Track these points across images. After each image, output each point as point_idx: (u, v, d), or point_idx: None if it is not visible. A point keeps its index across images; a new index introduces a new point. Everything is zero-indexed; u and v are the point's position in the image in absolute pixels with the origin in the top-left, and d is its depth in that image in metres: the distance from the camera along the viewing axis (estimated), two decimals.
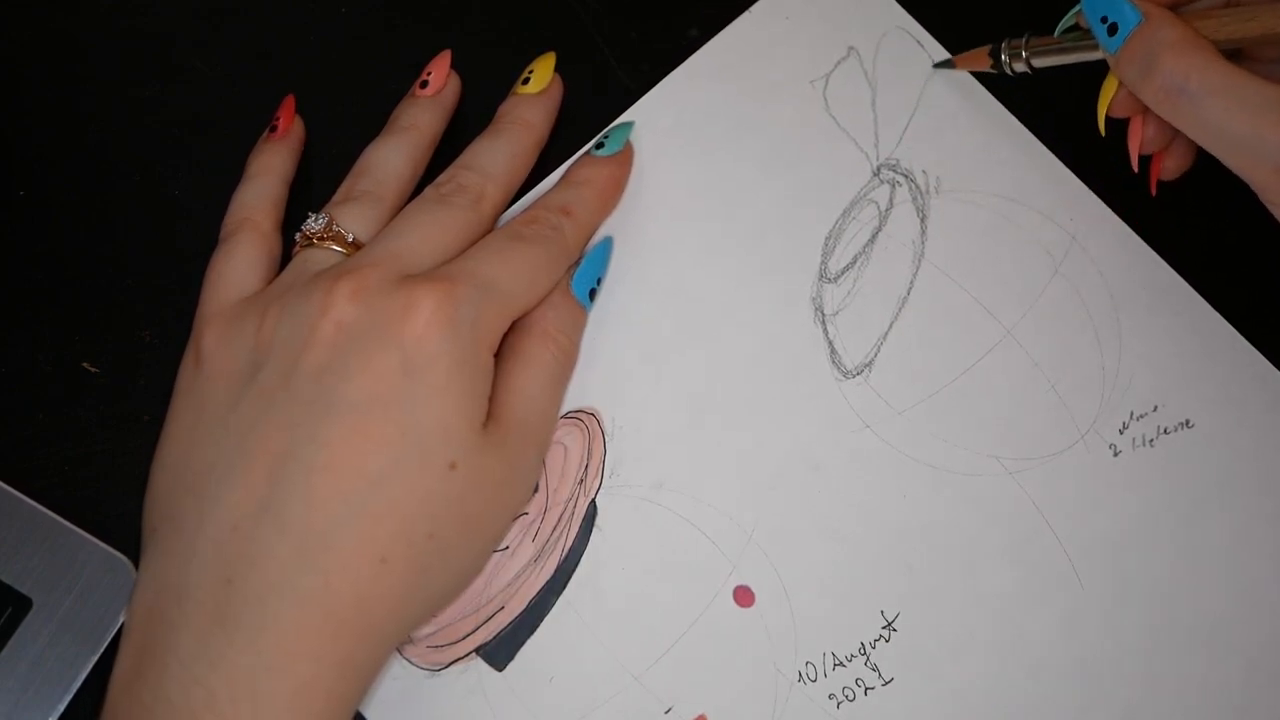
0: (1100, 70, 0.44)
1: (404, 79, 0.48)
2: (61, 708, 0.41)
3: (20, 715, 0.41)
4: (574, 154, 0.48)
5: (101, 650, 0.42)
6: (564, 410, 0.44)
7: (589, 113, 0.48)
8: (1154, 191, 0.45)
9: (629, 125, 0.47)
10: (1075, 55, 0.44)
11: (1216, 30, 0.41)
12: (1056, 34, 0.44)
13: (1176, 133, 0.44)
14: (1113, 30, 0.42)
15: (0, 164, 0.49)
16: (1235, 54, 0.43)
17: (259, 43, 0.51)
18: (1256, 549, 0.43)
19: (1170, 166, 0.45)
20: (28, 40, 0.50)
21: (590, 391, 0.45)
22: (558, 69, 0.47)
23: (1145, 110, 0.44)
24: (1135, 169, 0.45)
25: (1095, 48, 0.43)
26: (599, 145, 0.47)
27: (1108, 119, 0.45)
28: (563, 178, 0.46)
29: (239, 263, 0.43)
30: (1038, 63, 0.45)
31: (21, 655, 0.41)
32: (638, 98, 0.49)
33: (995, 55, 0.46)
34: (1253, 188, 0.41)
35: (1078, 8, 0.44)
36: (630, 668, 0.42)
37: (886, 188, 0.47)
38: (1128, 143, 0.45)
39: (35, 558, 0.42)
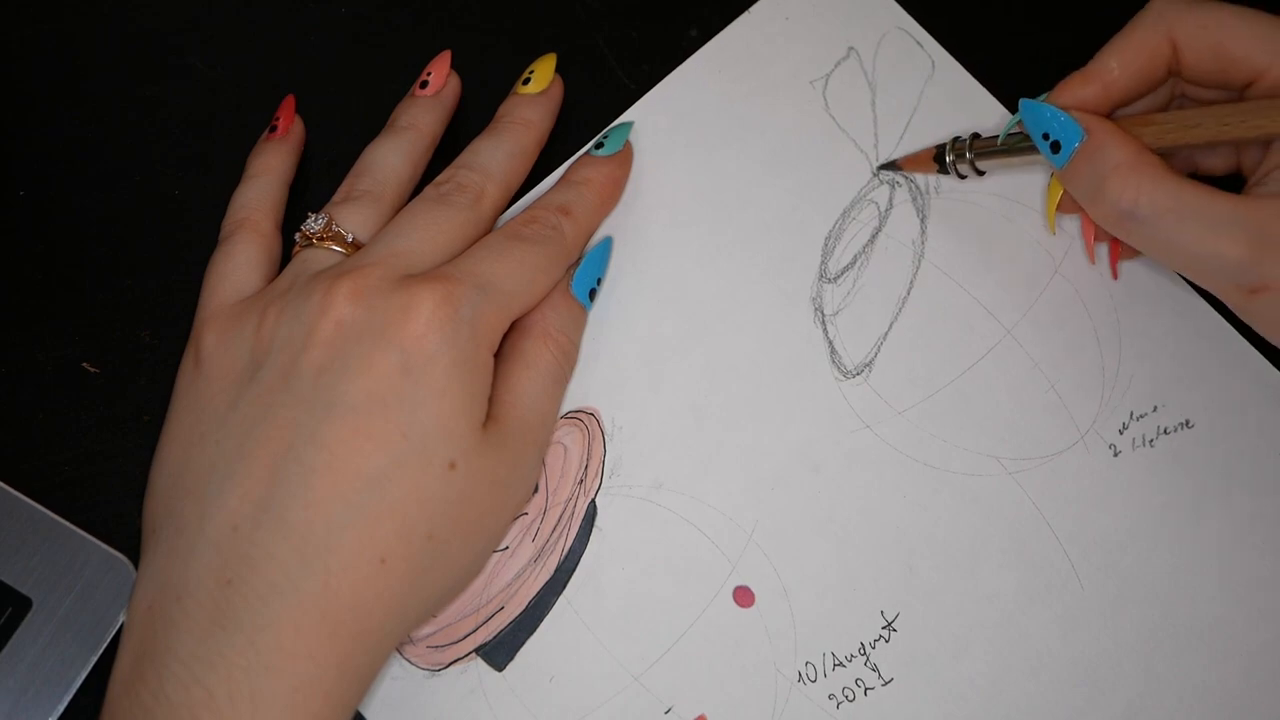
0: None
1: (404, 79, 0.48)
2: (61, 708, 0.41)
3: (20, 715, 0.41)
4: (574, 154, 0.48)
5: (101, 650, 0.42)
6: (564, 410, 0.44)
7: (589, 113, 0.49)
8: (1115, 276, 0.45)
9: (628, 125, 0.48)
10: (1021, 159, 0.43)
11: (1159, 138, 0.40)
12: (1001, 139, 0.43)
13: None
14: (1056, 148, 0.41)
15: (0, 164, 0.49)
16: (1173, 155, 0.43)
17: (259, 43, 0.51)
18: (1256, 549, 0.43)
19: (1128, 250, 0.44)
20: (28, 40, 0.51)
21: (590, 391, 0.45)
22: (558, 69, 0.47)
23: None
24: (1092, 261, 0.45)
25: (1039, 152, 0.42)
26: (598, 145, 0.47)
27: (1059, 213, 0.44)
28: (562, 178, 0.46)
29: (239, 263, 0.43)
30: (983, 165, 0.44)
31: (21, 655, 0.41)
32: (638, 98, 0.49)
33: (940, 159, 0.45)
34: (1221, 300, 0.40)
35: (1016, 118, 0.43)
36: (630, 668, 0.42)
37: (886, 188, 0.47)
38: (1082, 236, 0.45)
39: (35, 558, 0.42)
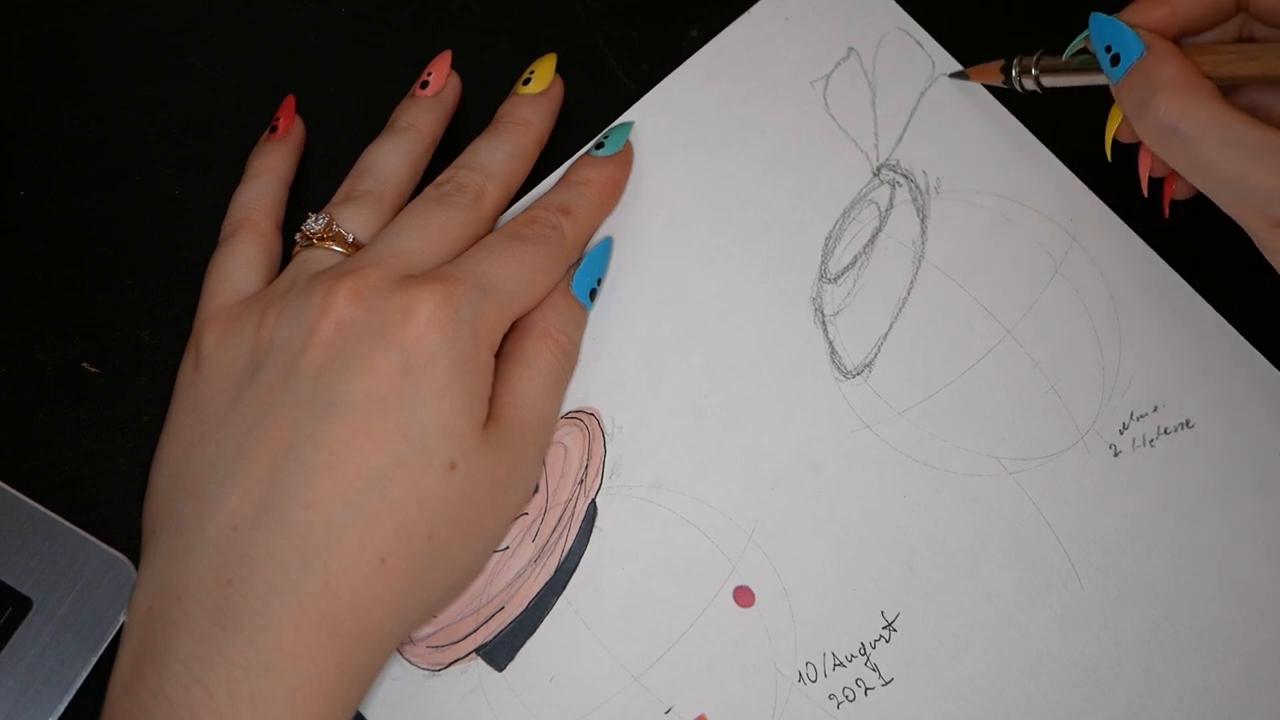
0: (1103, 93, 0.44)
1: (404, 79, 0.48)
2: (61, 708, 0.41)
3: (20, 715, 0.41)
4: (574, 154, 0.48)
5: (101, 650, 0.42)
6: (564, 410, 0.45)
7: (589, 113, 0.49)
8: (1166, 213, 0.45)
9: (628, 125, 0.48)
10: (1083, 78, 0.44)
11: (1216, 66, 0.41)
12: (1065, 56, 0.44)
13: None
14: (1115, 60, 0.42)
15: (0, 164, 0.49)
16: (1237, 90, 0.43)
17: (259, 43, 0.51)
18: (1256, 549, 0.43)
19: (1183, 187, 0.45)
20: (28, 40, 0.51)
21: (590, 392, 0.45)
22: (558, 69, 0.47)
23: None
24: (1145, 193, 0.45)
25: (1102, 73, 0.43)
26: (598, 145, 0.47)
27: (1116, 143, 0.44)
28: (562, 178, 0.46)
29: (239, 263, 0.44)
30: (1047, 82, 0.45)
31: (21, 655, 0.41)
32: (638, 98, 0.49)
33: (1006, 70, 0.46)
34: (1245, 230, 0.41)
35: (1086, 32, 0.43)
36: (630, 668, 0.42)
37: (886, 188, 0.47)
38: (1138, 168, 0.45)
39: (35, 558, 0.42)
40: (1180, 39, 0.43)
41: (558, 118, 0.47)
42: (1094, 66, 0.43)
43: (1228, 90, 0.42)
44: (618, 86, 0.50)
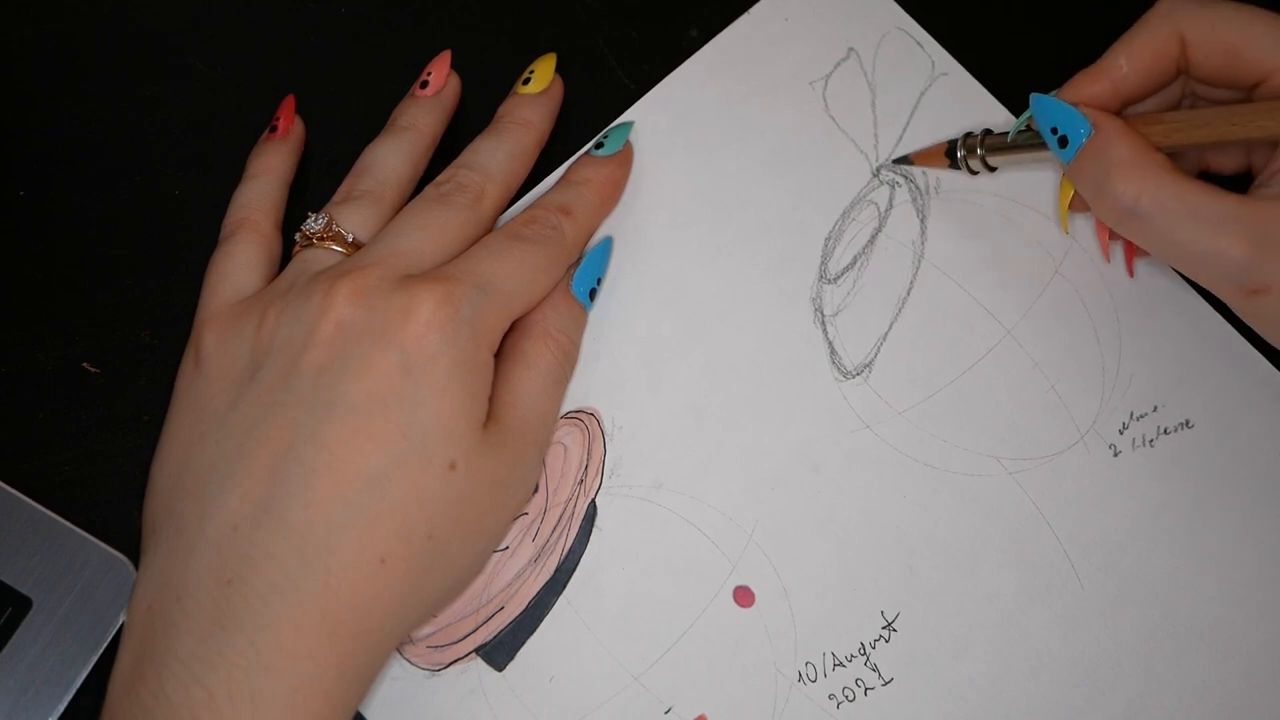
0: None
1: (404, 79, 0.48)
2: (61, 708, 0.41)
3: (20, 715, 0.41)
4: (574, 154, 0.48)
5: (101, 650, 0.42)
6: (564, 410, 0.45)
7: (589, 113, 0.49)
8: (1131, 274, 0.45)
9: (628, 125, 0.48)
10: (1030, 155, 0.44)
11: (1167, 136, 0.41)
12: (1010, 137, 0.44)
13: None
14: (1064, 142, 0.41)
15: (0, 164, 0.49)
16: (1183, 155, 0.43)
17: (259, 43, 0.51)
18: (1256, 549, 0.43)
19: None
20: (28, 40, 0.51)
21: (590, 391, 0.45)
22: (558, 69, 0.48)
23: None
24: (1108, 260, 0.45)
25: (1048, 148, 0.42)
26: (598, 145, 0.47)
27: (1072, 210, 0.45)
28: (562, 178, 0.47)
29: (239, 263, 0.44)
30: (994, 160, 0.45)
31: (21, 655, 0.42)
32: (638, 98, 0.49)
33: (952, 155, 0.45)
34: (1220, 299, 0.40)
35: (1026, 115, 0.43)
36: (630, 668, 0.42)
37: (886, 188, 0.47)
38: (1096, 235, 0.45)
39: (35, 558, 0.43)
40: (1123, 110, 0.42)
41: (558, 117, 0.48)
42: (1041, 144, 0.43)
43: (1175, 155, 0.41)
44: (618, 86, 0.50)
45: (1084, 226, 0.46)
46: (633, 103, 0.49)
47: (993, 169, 0.46)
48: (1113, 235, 0.45)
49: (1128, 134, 0.41)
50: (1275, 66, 0.40)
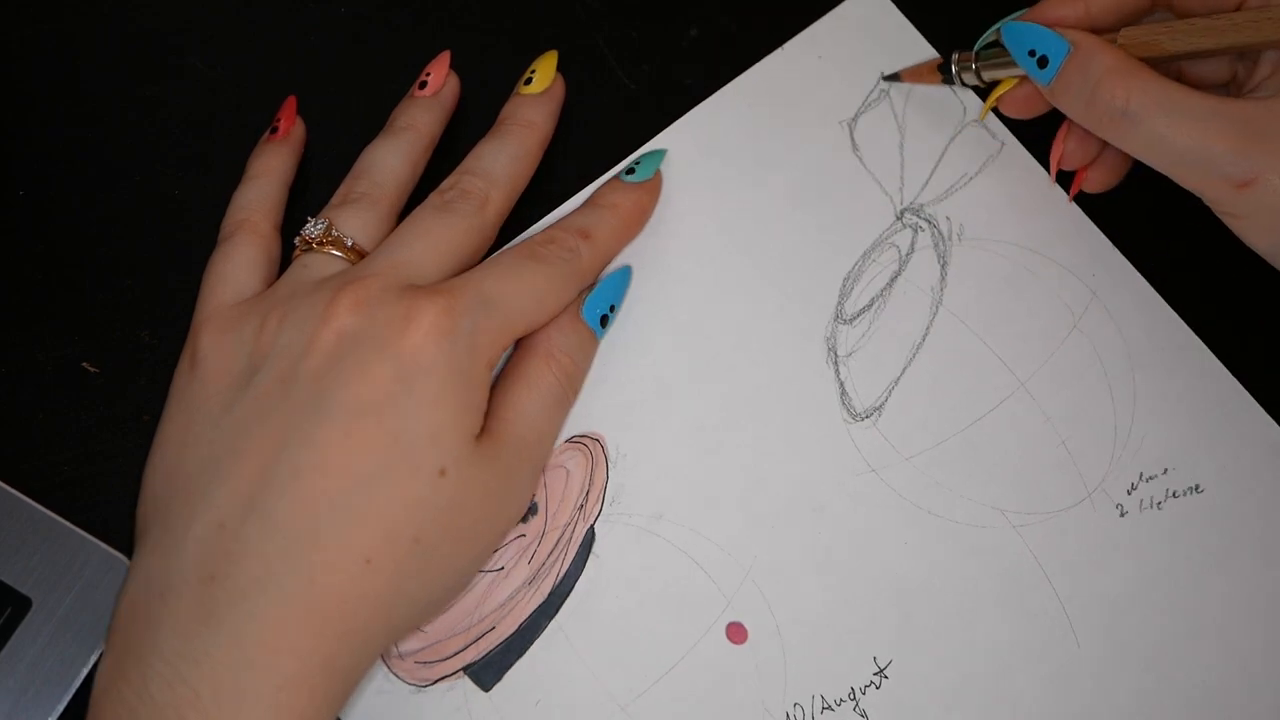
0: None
1: (404, 79, 0.54)
2: (61, 708, 0.47)
3: (20, 715, 0.47)
4: (574, 154, 0.55)
5: (101, 650, 0.48)
6: (569, 434, 0.51)
7: (589, 113, 0.56)
8: (1070, 198, 0.53)
9: (661, 153, 0.55)
10: (1020, 70, 0.51)
11: (1146, 50, 0.48)
12: (975, 50, 0.52)
13: (1101, 150, 0.51)
14: (1043, 63, 0.49)
15: (0, 164, 0.55)
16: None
17: (259, 43, 0.57)
18: (1258, 620, 0.50)
19: (1095, 180, 0.52)
20: (28, 40, 0.57)
21: (597, 417, 0.52)
22: (558, 69, 0.54)
23: (1065, 125, 0.51)
24: (1054, 180, 0.53)
25: None
26: (629, 171, 0.53)
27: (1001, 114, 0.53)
28: (589, 199, 0.53)
29: (238, 264, 0.50)
30: (988, 75, 0.52)
31: (21, 655, 0.48)
32: (638, 98, 0.56)
33: (945, 69, 0.53)
34: (1207, 203, 0.47)
35: (995, 27, 0.51)
36: (617, 697, 0.49)
37: (909, 232, 0.54)
38: (1049, 156, 0.52)
39: (35, 558, 0.49)
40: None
41: (560, 116, 0.54)
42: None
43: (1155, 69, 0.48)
44: (618, 86, 0.56)
45: (1110, 283, 0.54)
46: (632, 102, 0.56)
47: (986, 83, 0.53)
48: (1064, 162, 0.53)
49: (1108, 46, 0.48)
50: None
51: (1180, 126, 0.47)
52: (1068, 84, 0.49)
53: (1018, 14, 0.51)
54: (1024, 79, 0.52)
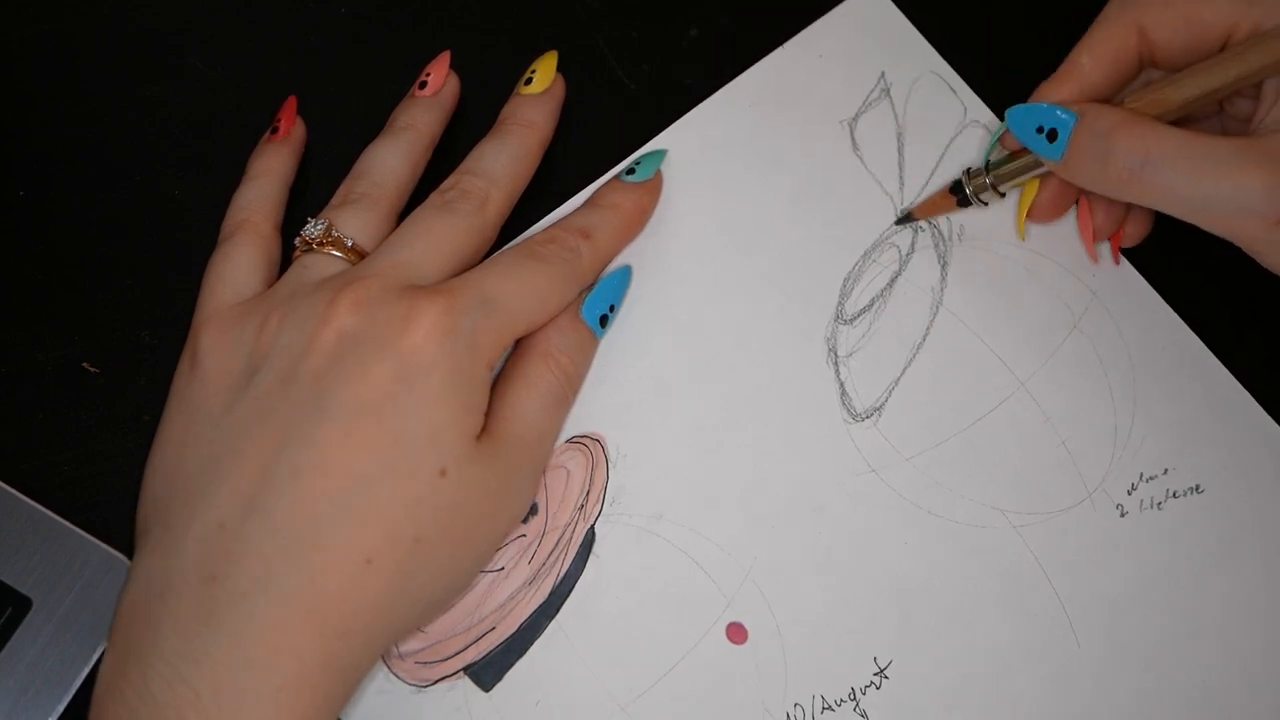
0: None
1: (404, 79, 0.55)
2: (61, 708, 0.48)
3: (20, 715, 0.47)
4: (574, 153, 0.55)
5: (101, 650, 0.48)
6: (569, 434, 0.52)
7: (589, 113, 0.56)
8: (1117, 261, 0.53)
9: (661, 153, 0.55)
10: (1035, 172, 0.51)
11: (1151, 106, 0.48)
12: (985, 158, 0.52)
13: (1128, 209, 0.51)
14: (1052, 136, 0.49)
15: (0, 164, 0.56)
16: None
17: (259, 43, 0.58)
18: (1258, 620, 0.50)
19: (1132, 235, 0.52)
20: (28, 40, 0.58)
21: (596, 417, 0.52)
22: (558, 69, 0.55)
23: (1085, 200, 0.52)
24: (1094, 260, 0.53)
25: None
26: (629, 171, 0.54)
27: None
28: (589, 200, 0.53)
29: (238, 264, 0.51)
30: (1003, 187, 0.52)
31: (21, 655, 0.48)
32: (638, 98, 0.56)
33: (959, 191, 0.53)
34: (1239, 244, 0.47)
35: (1000, 130, 0.51)
36: (617, 697, 0.49)
37: (909, 231, 0.54)
38: (1080, 236, 0.52)
39: (35, 558, 0.49)
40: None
41: (560, 116, 0.54)
42: (1036, 159, 0.50)
43: None
44: (618, 86, 0.57)
45: (1110, 284, 0.54)
46: (632, 102, 0.56)
47: (1002, 195, 0.52)
48: (1097, 236, 0.52)
49: (1114, 107, 0.48)
50: (1236, 19, 0.48)
51: (1204, 172, 0.46)
52: (1081, 152, 0.49)
53: (1014, 109, 0.51)
54: (1044, 180, 0.52)
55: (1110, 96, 0.50)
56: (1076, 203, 0.54)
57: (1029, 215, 0.53)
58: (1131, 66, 0.50)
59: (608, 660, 0.50)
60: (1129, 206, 0.52)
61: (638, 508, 0.52)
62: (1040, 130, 0.50)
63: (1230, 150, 0.46)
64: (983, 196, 0.53)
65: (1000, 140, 0.53)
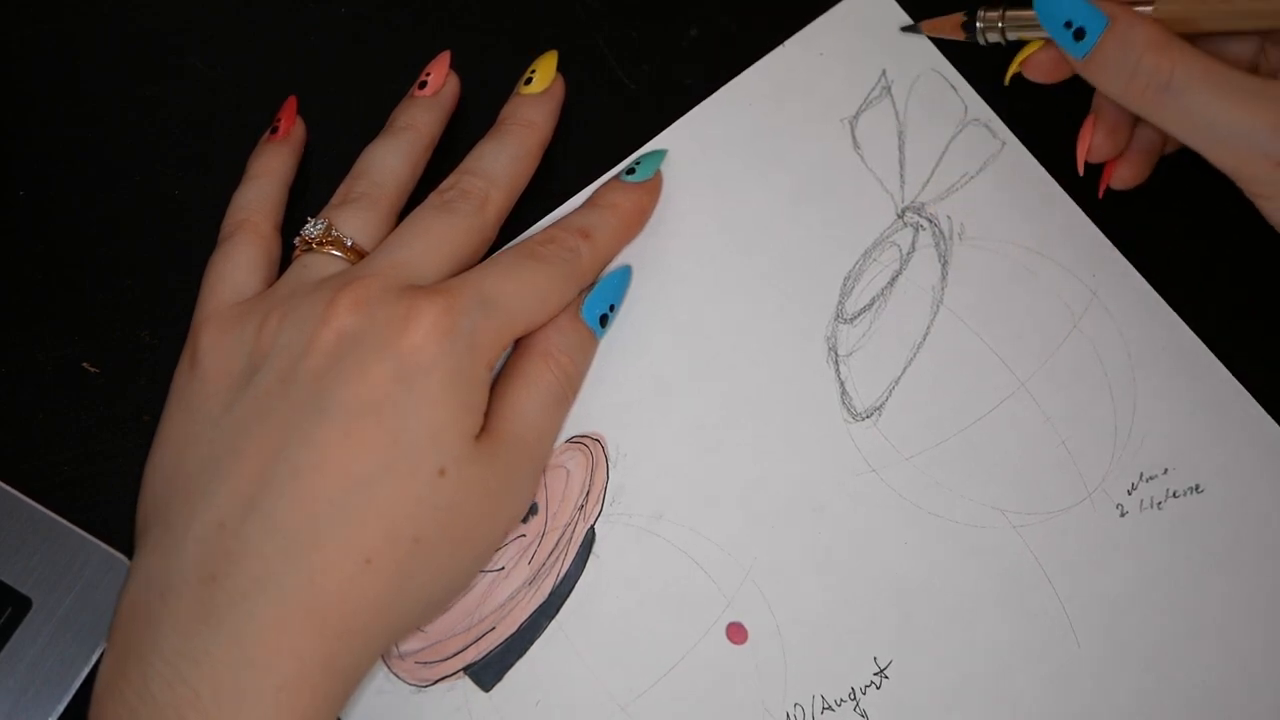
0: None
1: (404, 79, 0.55)
2: (61, 708, 0.48)
3: (20, 715, 0.48)
4: (574, 154, 0.55)
5: (101, 650, 0.48)
6: (569, 434, 0.52)
7: (589, 113, 0.56)
8: (1100, 195, 0.53)
9: (661, 153, 0.55)
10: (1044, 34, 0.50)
11: (1184, 25, 0.48)
12: (1002, 9, 0.52)
13: (1129, 141, 0.51)
14: (1079, 35, 0.48)
15: (0, 164, 0.56)
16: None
17: (259, 43, 0.58)
18: (1258, 620, 0.50)
19: (1125, 175, 0.52)
20: (28, 40, 0.58)
21: (596, 417, 0.52)
22: (558, 69, 0.55)
23: (1091, 117, 0.51)
24: (1082, 172, 0.53)
25: None
26: (629, 171, 0.54)
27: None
28: (589, 200, 0.54)
29: (238, 264, 0.51)
30: (1013, 35, 0.52)
31: (21, 655, 0.48)
32: (638, 98, 0.57)
33: (969, 27, 0.53)
34: (1240, 182, 0.47)
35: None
36: (617, 697, 0.49)
37: (910, 231, 0.55)
38: (1076, 147, 0.52)
39: (35, 558, 0.49)
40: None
41: (560, 116, 0.55)
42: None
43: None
44: (618, 86, 0.57)
45: (1110, 284, 0.54)
46: (632, 102, 0.56)
47: (1009, 42, 0.52)
48: (1091, 155, 0.52)
49: (1147, 18, 0.48)
50: None
51: (1224, 101, 0.47)
52: (1105, 58, 0.49)
53: None
54: (1049, 42, 0.51)
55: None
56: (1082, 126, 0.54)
57: (1023, 65, 0.53)
58: None
59: (608, 660, 0.50)
60: (1130, 138, 0.53)
61: (638, 507, 0.52)
62: (1068, 25, 0.50)
63: (1252, 86, 0.47)
64: (989, 35, 0.53)
65: None
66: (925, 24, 0.56)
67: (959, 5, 0.55)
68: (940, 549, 0.52)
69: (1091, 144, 0.53)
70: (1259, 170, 0.47)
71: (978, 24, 0.53)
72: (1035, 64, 0.52)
